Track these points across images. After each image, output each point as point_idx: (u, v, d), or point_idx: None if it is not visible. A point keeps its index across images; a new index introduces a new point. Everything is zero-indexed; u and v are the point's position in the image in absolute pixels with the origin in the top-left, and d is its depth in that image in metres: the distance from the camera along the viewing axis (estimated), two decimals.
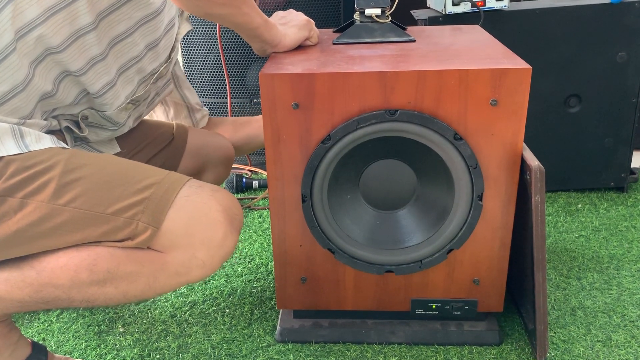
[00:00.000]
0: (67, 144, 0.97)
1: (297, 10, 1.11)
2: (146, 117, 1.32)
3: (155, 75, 1.06)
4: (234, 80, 1.71)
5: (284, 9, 1.61)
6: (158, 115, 1.32)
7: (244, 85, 1.72)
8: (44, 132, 0.91)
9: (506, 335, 1.07)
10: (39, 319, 1.17)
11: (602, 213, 1.49)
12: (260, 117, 1.37)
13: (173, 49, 1.10)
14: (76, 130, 0.99)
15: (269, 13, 1.47)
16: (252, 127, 1.36)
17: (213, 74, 1.72)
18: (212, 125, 1.36)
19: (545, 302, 0.95)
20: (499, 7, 1.41)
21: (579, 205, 1.54)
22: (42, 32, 0.86)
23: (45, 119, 0.93)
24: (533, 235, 0.91)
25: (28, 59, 0.87)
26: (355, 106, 0.91)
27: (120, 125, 1.05)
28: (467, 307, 1.03)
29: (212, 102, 1.76)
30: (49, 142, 0.88)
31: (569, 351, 1.02)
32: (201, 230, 0.88)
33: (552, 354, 1.02)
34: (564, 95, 1.50)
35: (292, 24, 1.05)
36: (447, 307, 1.03)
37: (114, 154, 1.07)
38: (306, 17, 1.07)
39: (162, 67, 1.07)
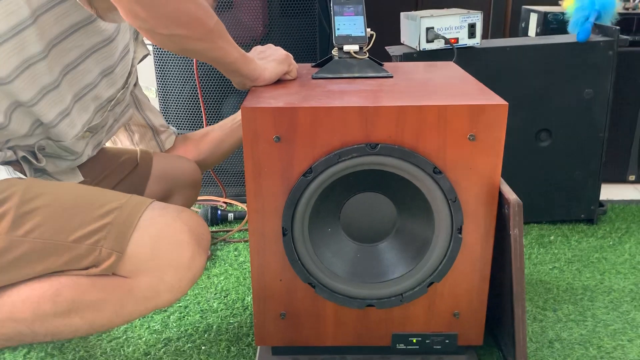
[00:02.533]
0: (25, 174, 0.95)
1: (274, 44, 1.12)
2: (109, 145, 1.30)
3: (113, 102, 1.05)
4: (210, 111, 1.70)
5: (262, 43, 1.63)
6: (122, 140, 1.30)
7: (220, 116, 1.72)
8: (0, 164, 0.89)
9: None
10: (4, 359, 1.11)
11: (574, 245, 1.52)
12: (220, 123, 1.34)
13: (130, 74, 1.09)
14: (34, 161, 0.96)
15: (246, 47, 1.48)
16: (214, 134, 1.33)
17: (189, 105, 1.72)
18: (180, 144, 1.34)
19: (525, 336, 0.95)
20: (471, 45, 1.45)
21: (552, 237, 1.57)
22: None
23: None
24: (512, 269, 0.92)
25: None
26: (337, 140, 0.91)
27: (78, 155, 1.03)
28: (447, 341, 1.03)
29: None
30: (4, 173, 0.85)
31: None
32: (167, 252, 0.86)
33: None
34: (535, 129, 1.54)
35: (271, 58, 1.06)
36: (427, 341, 1.03)
37: (77, 183, 1.05)
38: (285, 52, 1.09)
39: (119, 93, 1.06)
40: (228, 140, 1.30)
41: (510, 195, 0.91)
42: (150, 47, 1.64)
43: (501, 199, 0.94)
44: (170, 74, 1.70)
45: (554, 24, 1.80)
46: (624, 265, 1.42)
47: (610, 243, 1.53)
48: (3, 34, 0.86)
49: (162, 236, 0.85)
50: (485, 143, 0.91)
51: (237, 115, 1.33)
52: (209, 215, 1.66)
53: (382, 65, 1.17)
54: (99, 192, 0.89)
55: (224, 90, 1.68)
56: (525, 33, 1.97)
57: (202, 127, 1.70)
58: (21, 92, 0.89)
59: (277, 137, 0.91)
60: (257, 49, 1.10)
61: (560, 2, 1.84)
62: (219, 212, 1.68)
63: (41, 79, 0.91)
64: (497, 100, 0.91)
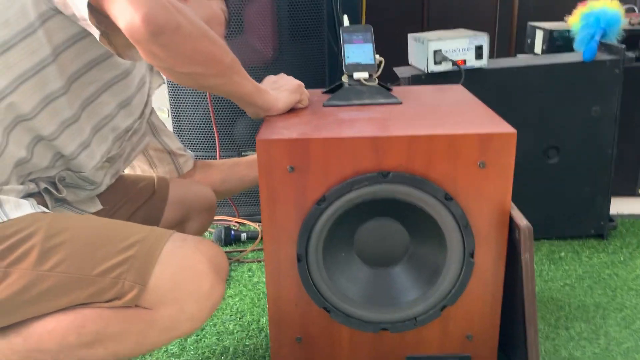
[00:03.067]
0: (47, 206, 0.98)
1: (283, 67, 1.15)
2: (128, 172, 1.34)
3: (130, 132, 1.08)
4: (223, 133, 1.74)
5: (272, 66, 1.66)
6: (140, 165, 1.33)
7: (232, 138, 1.75)
8: (23, 197, 0.92)
9: None
10: None
11: (585, 261, 1.53)
12: (249, 157, 1.39)
13: (146, 104, 1.12)
14: (55, 192, 0.99)
15: (257, 70, 1.51)
16: (242, 167, 1.36)
17: (202, 128, 1.75)
18: (201, 169, 1.37)
19: (538, 356, 0.97)
20: (479, 66, 1.47)
21: (562, 254, 1.58)
22: (12, 101, 0.88)
23: (22, 184, 0.93)
24: (524, 292, 0.94)
25: (1, 127, 0.88)
26: (349, 169, 0.94)
27: (97, 185, 1.06)
28: None
29: (201, 156, 1.78)
30: (28, 208, 0.88)
31: None
32: (188, 283, 0.88)
33: None
34: (543, 147, 1.56)
35: (284, 88, 1.09)
36: None
37: (96, 212, 1.08)
38: (297, 81, 1.12)
39: (137, 123, 1.09)
40: (251, 176, 1.34)
41: (521, 220, 0.93)
42: None
43: (512, 223, 0.95)
44: (183, 95, 1.73)
45: (559, 42, 1.82)
46: (635, 281, 1.43)
47: (622, 259, 1.54)
48: (25, 72, 0.89)
49: (183, 268, 0.88)
50: (495, 170, 0.93)
51: None
52: (223, 235, 1.69)
53: (391, 90, 1.20)
54: (121, 225, 0.92)
55: (236, 112, 1.71)
56: (531, 49, 1.99)
57: (215, 147, 1.73)
58: (43, 127, 0.93)
59: (291, 167, 0.93)
60: (270, 78, 1.13)
61: (565, 19, 1.86)
62: (232, 232, 1.70)
63: (62, 114, 0.94)
64: (505, 128, 0.93)
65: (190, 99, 1.73)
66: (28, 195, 0.96)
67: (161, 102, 2.17)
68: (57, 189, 1.00)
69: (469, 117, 1.00)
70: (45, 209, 0.92)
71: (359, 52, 1.15)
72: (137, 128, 1.11)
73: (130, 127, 1.08)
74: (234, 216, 1.84)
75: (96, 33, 0.86)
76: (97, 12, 0.84)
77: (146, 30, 0.80)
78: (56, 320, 0.85)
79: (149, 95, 1.15)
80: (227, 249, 1.68)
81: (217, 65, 0.91)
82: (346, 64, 1.14)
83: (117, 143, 1.07)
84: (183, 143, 1.78)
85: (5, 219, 0.85)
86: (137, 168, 1.33)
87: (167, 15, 0.82)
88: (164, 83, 1.24)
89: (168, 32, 0.82)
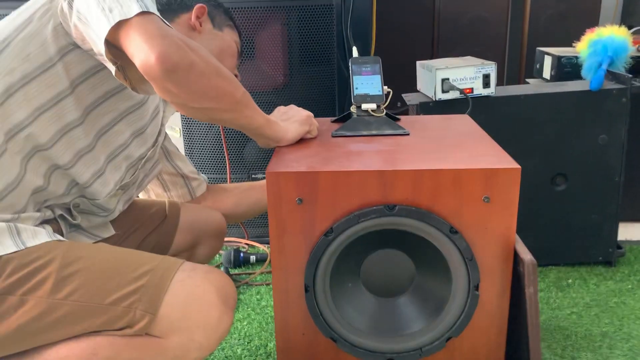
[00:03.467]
0: (62, 232, 1.01)
1: (294, 92, 1.16)
2: (142, 195, 1.36)
3: (144, 160, 1.11)
4: (233, 155, 1.77)
5: (282, 91, 1.69)
6: (154, 189, 1.36)
7: (242, 160, 1.78)
8: (39, 224, 0.95)
9: None
10: None
11: (592, 288, 1.54)
12: (263, 182, 1.41)
13: (159, 133, 1.15)
14: (69, 218, 1.02)
15: (268, 95, 1.53)
16: (258, 191, 1.39)
17: (213, 149, 1.78)
18: (214, 193, 1.39)
19: None
20: (486, 94, 1.49)
21: (570, 280, 1.58)
22: (31, 132, 0.91)
23: (38, 210, 0.96)
24: (528, 326, 0.95)
25: (19, 157, 0.91)
26: (356, 201, 0.95)
27: (111, 211, 1.09)
28: None
29: (212, 178, 1.81)
30: (44, 236, 0.91)
31: None
32: (197, 313, 0.91)
33: None
34: (551, 174, 1.57)
35: (293, 120, 1.12)
36: None
37: (109, 237, 1.11)
38: (307, 112, 1.14)
39: (150, 151, 1.12)
40: (265, 200, 1.36)
41: (525, 255, 0.94)
42: None
43: (516, 257, 0.97)
44: (194, 119, 1.76)
45: (568, 68, 1.84)
46: None
47: (629, 287, 1.54)
48: (44, 104, 0.93)
49: (192, 298, 0.90)
50: (500, 204, 0.94)
51: None
52: (232, 257, 1.71)
53: (398, 120, 1.22)
54: (133, 255, 0.94)
55: (246, 135, 1.74)
56: (539, 74, 2.00)
57: (225, 169, 1.76)
58: (59, 157, 0.96)
59: (300, 199, 0.96)
60: (280, 109, 1.15)
61: (574, 45, 1.88)
62: (242, 254, 1.72)
63: (77, 143, 0.97)
64: (510, 163, 0.94)
65: (202, 122, 1.76)
66: (44, 222, 0.99)
67: (173, 122, 2.21)
68: (71, 216, 1.03)
69: (475, 151, 1.02)
70: (60, 237, 0.95)
71: (367, 83, 1.18)
72: (150, 156, 1.14)
73: (143, 155, 1.11)
74: (244, 238, 1.86)
75: (112, 68, 0.89)
76: (114, 47, 0.87)
77: (161, 69, 0.83)
78: (69, 347, 0.87)
79: (162, 124, 1.18)
80: (236, 271, 1.70)
81: (228, 101, 0.94)
82: (355, 95, 1.17)
83: (130, 171, 1.10)
84: (194, 164, 1.82)
85: (22, 247, 0.88)
86: (151, 192, 1.36)
87: (181, 54, 0.85)
88: (177, 111, 1.27)
89: (182, 70, 0.85)
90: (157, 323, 0.88)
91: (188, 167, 1.35)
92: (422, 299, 1.02)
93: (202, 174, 1.39)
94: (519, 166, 0.93)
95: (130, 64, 0.88)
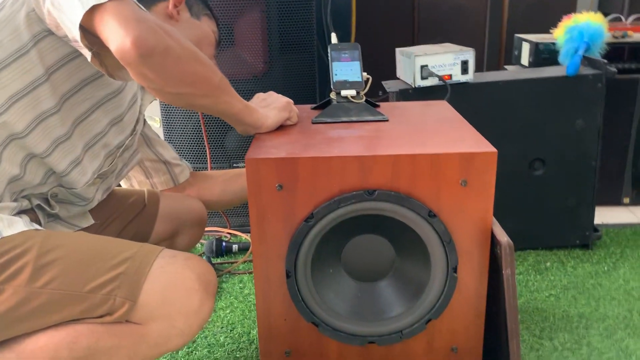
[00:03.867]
0: (40, 222, 1.00)
1: (274, 80, 1.16)
2: (123, 182, 1.35)
3: (122, 149, 1.10)
4: (214, 145, 1.76)
5: (262, 79, 1.69)
6: (136, 175, 1.34)
7: (223, 149, 1.77)
8: (16, 214, 0.94)
9: None
10: None
11: (570, 271, 1.57)
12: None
13: (137, 121, 1.14)
14: (47, 208, 1.01)
15: (248, 83, 1.53)
16: (244, 178, 1.37)
17: (193, 138, 1.77)
18: (200, 180, 1.38)
19: None
20: (464, 80, 1.50)
21: (548, 264, 1.61)
22: (5, 120, 0.90)
23: (15, 200, 0.95)
24: (506, 306, 0.97)
25: None
26: (336, 187, 0.96)
27: (89, 201, 1.08)
28: None
29: (192, 167, 1.80)
30: (21, 225, 0.90)
31: None
32: (177, 299, 0.91)
33: None
34: (529, 159, 1.59)
35: (273, 106, 1.11)
36: None
37: (88, 226, 1.10)
38: (286, 99, 1.14)
39: (128, 140, 1.11)
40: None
41: (502, 237, 0.95)
42: None
43: (493, 239, 0.98)
44: (174, 108, 1.75)
45: (545, 54, 1.86)
46: (618, 291, 1.46)
47: (605, 269, 1.57)
48: (19, 92, 0.91)
49: (172, 284, 0.90)
50: (477, 188, 0.96)
51: None
52: (214, 247, 1.71)
53: (378, 107, 1.22)
54: (112, 242, 0.94)
55: (226, 124, 1.73)
56: (518, 61, 2.02)
57: (206, 158, 1.75)
58: (35, 145, 0.95)
59: (280, 185, 0.96)
60: (260, 96, 1.15)
61: (551, 31, 1.90)
62: (224, 243, 1.72)
63: (54, 132, 0.96)
64: (486, 147, 0.96)
65: (182, 111, 1.74)
66: (21, 212, 0.98)
67: (153, 112, 2.19)
68: (49, 205, 1.02)
69: (452, 136, 1.03)
70: (38, 226, 0.94)
71: (346, 70, 1.18)
72: (128, 145, 1.13)
73: (121, 144, 1.10)
74: (225, 227, 1.86)
75: (88, 54, 0.88)
76: (89, 34, 0.86)
77: (136, 53, 0.82)
78: (48, 336, 0.87)
79: (140, 112, 1.17)
80: (218, 260, 1.70)
81: (206, 86, 0.93)
82: (334, 81, 1.17)
83: (108, 160, 1.09)
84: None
85: None
86: (133, 179, 1.35)
87: (157, 38, 0.84)
88: (155, 99, 1.26)
89: (157, 54, 0.84)
90: (137, 310, 0.88)
91: (169, 153, 1.33)
92: (402, 282, 1.04)
93: (184, 161, 1.38)
94: (495, 150, 0.94)
95: (106, 50, 0.87)
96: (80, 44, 0.86)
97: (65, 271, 0.87)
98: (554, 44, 1.78)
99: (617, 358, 1.21)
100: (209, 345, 1.30)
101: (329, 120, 1.15)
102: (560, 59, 1.67)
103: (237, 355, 1.26)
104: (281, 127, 1.13)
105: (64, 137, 0.98)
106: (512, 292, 0.96)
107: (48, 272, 0.86)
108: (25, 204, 0.99)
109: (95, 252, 0.90)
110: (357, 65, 1.19)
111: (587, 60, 1.59)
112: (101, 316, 0.88)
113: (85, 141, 1.02)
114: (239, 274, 1.61)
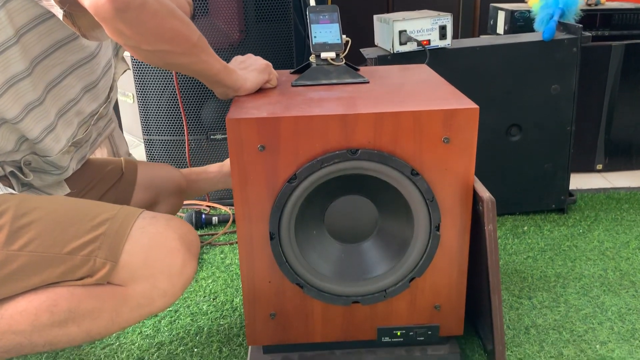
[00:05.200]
0: (14, 189, 0.97)
1: (250, 49, 1.15)
2: (94, 156, 1.33)
3: (95, 116, 1.08)
4: (190, 116, 1.73)
5: (238, 48, 1.66)
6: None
7: (200, 121, 1.74)
8: None
9: (467, 357, 1.13)
10: None
11: (547, 234, 1.60)
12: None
13: (111, 89, 1.12)
14: (21, 176, 0.99)
15: (224, 52, 1.51)
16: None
17: (169, 112, 1.74)
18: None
19: (502, 323, 1.01)
20: (442, 46, 1.50)
21: (525, 228, 1.64)
22: None
23: None
24: (488, 262, 0.98)
25: None
26: (319, 147, 0.95)
27: (64, 169, 1.06)
28: (429, 332, 1.08)
29: (169, 140, 1.77)
30: None
31: None
32: (160, 260, 0.89)
33: None
34: (506, 125, 1.61)
35: (251, 68, 1.10)
36: (411, 333, 1.08)
37: (64, 195, 1.08)
38: (265, 61, 1.12)
39: (102, 108, 1.09)
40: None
41: (484, 193, 0.96)
42: (128, 56, 1.66)
43: (475, 196, 0.99)
44: (149, 79, 1.71)
45: (521, 22, 1.87)
46: (593, 252, 1.50)
47: (580, 231, 1.60)
48: None
49: (154, 244, 0.88)
50: (459, 145, 0.96)
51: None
52: (194, 219, 1.69)
53: (358, 70, 1.21)
54: (91, 204, 0.92)
55: (203, 95, 1.71)
56: (493, 30, 2.03)
57: (183, 131, 1.73)
58: (6, 110, 0.91)
59: (262, 146, 0.95)
60: (238, 59, 1.13)
61: (526, 0, 1.91)
62: (203, 216, 1.71)
63: (26, 96, 0.93)
64: (468, 104, 0.96)
65: (157, 82, 1.71)
66: None
67: (126, 87, 2.14)
68: (23, 173, 0.99)
69: (434, 94, 1.03)
70: (12, 191, 0.92)
71: (325, 32, 1.17)
72: (102, 113, 1.10)
73: (95, 112, 1.08)
74: (205, 200, 1.84)
75: (59, 13, 0.85)
76: None
77: (111, 7, 0.80)
78: (28, 300, 0.85)
79: (114, 80, 1.14)
80: (199, 233, 1.68)
81: (183, 43, 0.91)
82: (313, 43, 1.15)
83: (82, 127, 1.06)
84: (150, 128, 1.77)
85: None
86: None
87: None
88: (129, 69, 1.23)
89: (133, 9, 0.82)
90: (118, 271, 0.86)
91: (124, 148, 1.32)
92: (386, 242, 1.04)
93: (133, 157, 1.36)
94: (476, 106, 0.94)
95: (79, 9, 0.84)
96: (51, 1, 0.83)
97: (43, 233, 0.85)
98: (529, 11, 1.79)
99: (594, 314, 1.25)
100: (191, 314, 1.29)
101: (308, 82, 1.14)
102: (536, 25, 1.68)
103: (221, 323, 1.26)
104: (261, 90, 1.11)
105: (36, 103, 0.95)
106: (494, 247, 0.97)
107: (25, 234, 0.84)
108: None
109: (74, 214, 0.88)
110: (336, 28, 1.17)
111: (562, 26, 1.61)
112: (82, 278, 0.86)
113: (58, 107, 0.99)
114: (220, 244, 1.60)
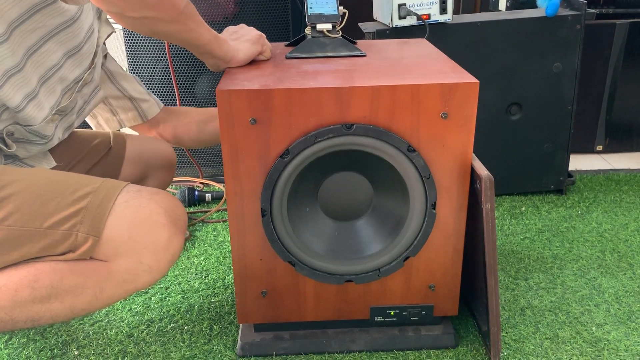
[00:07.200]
0: None
1: (245, 22, 1.11)
2: (89, 121, 1.29)
3: (80, 83, 1.04)
4: (183, 91, 1.69)
5: (234, 20, 1.62)
6: (102, 113, 1.27)
7: (193, 96, 1.71)
8: None
9: (461, 338, 1.11)
10: None
11: (544, 215, 1.57)
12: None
13: (95, 54, 1.08)
14: (4, 147, 0.95)
15: (218, 24, 1.46)
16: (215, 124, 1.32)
17: (162, 87, 1.70)
18: (174, 116, 1.31)
19: (498, 304, 0.99)
20: (443, 20, 1.46)
21: (523, 208, 1.61)
22: None
23: None
24: (484, 241, 0.95)
25: None
26: (313, 121, 0.92)
27: (48, 139, 1.02)
28: (423, 312, 1.07)
29: None
30: None
31: (520, 350, 1.07)
32: (144, 234, 0.87)
33: (505, 354, 1.06)
34: (506, 103, 1.57)
35: (244, 39, 1.06)
36: (404, 313, 1.06)
37: (50, 169, 1.05)
38: (258, 32, 1.08)
39: (86, 74, 1.05)
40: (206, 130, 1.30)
41: (482, 170, 0.93)
42: (119, 26, 1.61)
43: (473, 174, 0.96)
44: (141, 52, 1.67)
45: None
46: (591, 233, 1.48)
47: (579, 212, 1.58)
48: None
49: (138, 219, 0.86)
50: (457, 121, 0.93)
51: None
52: (186, 196, 1.66)
53: (355, 43, 1.18)
54: (72, 177, 0.89)
55: (196, 68, 1.67)
56: (495, 7, 1.98)
57: (176, 105, 1.69)
58: None
59: (253, 119, 0.91)
60: (230, 29, 1.09)
61: None
62: (196, 192, 1.68)
63: (4, 63, 0.89)
64: (468, 78, 0.92)
65: (149, 55, 1.67)
66: None
67: (118, 60, 2.09)
68: (6, 144, 0.96)
69: (432, 68, 1.00)
70: None
71: (322, 2, 1.13)
72: (87, 79, 1.06)
73: (79, 78, 1.04)
74: (198, 177, 1.81)
75: None
76: None
77: None
78: (8, 275, 0.83)
79: (98, 45, 1.10)
80: (192, 210, 1.66)
81: (170, 10, 0.87)
82: (309, 14, 1.11)
83: (66, 95, 1.02)
84: None
85: None
86: (99, 117, 1.28)
87: None
88: (114, 32, 1.18)
89: None
90: (101, 246, 0.84)
91: (135, 87, 1.25)
92: (380, 220, 1.02)
93: (153, 95, 1.30)
94: (476, 80, 0.91)
95: None
96: None
97: (22, 206, 0.82)
98: None
99: (590, 295, 1.23)
100: (182, 291, 1.27)
101: (303, 55, 1.10)
102: (539, 2, 1.63)
103: (212, 300, 1.24)
104: (253, 62, 1.07)
105: (15, 69, 0.91)
106: (491, 227, 0.95)
107: (4, 207, 0.81)
108: None
109: (55, 187, 0.85)
110: None
111: (565, 2, 1.56)
112: (64, 253, 0.83)
113: (39, 74, 0.95)
114: (212, 222, 1.58)
